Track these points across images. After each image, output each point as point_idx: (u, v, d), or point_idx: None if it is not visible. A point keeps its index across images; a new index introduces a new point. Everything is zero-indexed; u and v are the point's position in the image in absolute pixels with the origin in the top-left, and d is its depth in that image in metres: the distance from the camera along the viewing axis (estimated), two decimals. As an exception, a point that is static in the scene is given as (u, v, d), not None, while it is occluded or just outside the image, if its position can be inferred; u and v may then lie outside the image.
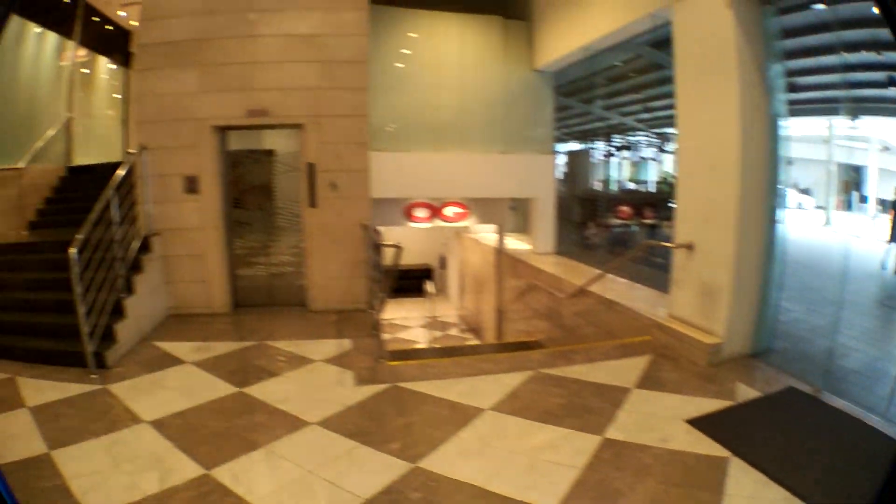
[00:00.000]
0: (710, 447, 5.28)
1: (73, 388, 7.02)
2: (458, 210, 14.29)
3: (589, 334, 10.07)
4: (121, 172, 9.08)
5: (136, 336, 8.89)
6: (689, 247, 7.82)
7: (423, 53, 13.46)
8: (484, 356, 8.61)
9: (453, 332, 18.69)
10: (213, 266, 10.60)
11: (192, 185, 10.36)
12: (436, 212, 14.22)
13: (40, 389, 6.98)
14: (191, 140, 10.30)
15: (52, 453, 5.40)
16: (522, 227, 16.53)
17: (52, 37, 13.85)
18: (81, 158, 14.06)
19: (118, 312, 8.52)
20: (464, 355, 10.42)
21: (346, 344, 8.75)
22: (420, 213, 14.09)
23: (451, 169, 13.29)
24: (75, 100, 14.48)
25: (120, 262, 8.82)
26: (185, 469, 5.10)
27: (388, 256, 9.32)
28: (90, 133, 15.44)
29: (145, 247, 9.86)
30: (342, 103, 10.38)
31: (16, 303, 9.19)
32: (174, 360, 8.13)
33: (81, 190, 11.87)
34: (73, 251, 7.33)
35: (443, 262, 23.41)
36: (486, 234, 17.22)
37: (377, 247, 9.51)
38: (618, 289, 10.29)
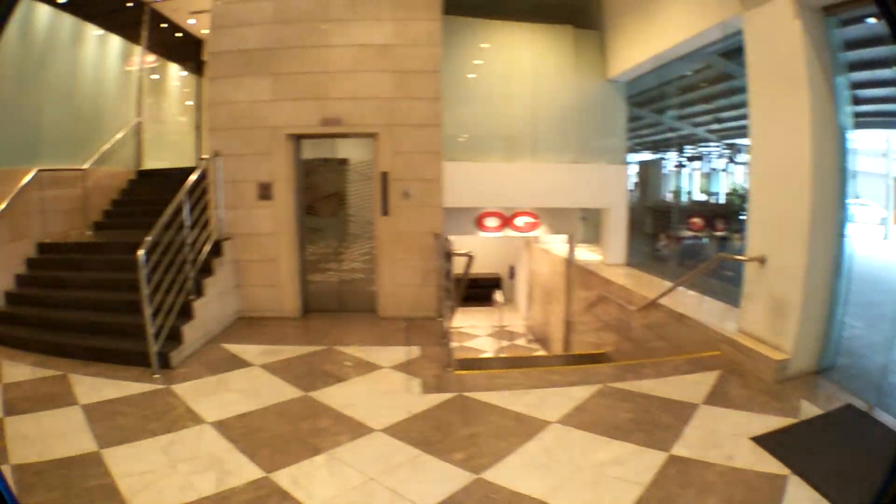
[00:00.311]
0: (771, 465, 5.12)
1: (133, 387, 7.09)
2: (530, 220, 14.10)
3: (658, 348, 9.83)
4: (193, 177, 9.22)
5: (203, 337, 9.00)
6: (761, 260, 7.58)
7: (494, 63, 13.32)
8: (552, 368, 8.47)
9: (520, 342, 18.47)
10: (284, 271, 10.70)
11: (265, 192, 10.47)
12: (507, 221, 14.05)
13: (96, 388, 7.05)
14: (265, 147, 10.42)
15: (103, 452, 5.41)
16: (592, 238, 16.32)
17: (116, 41, 13.97)
18: (152, 163, 14.36)
19: (186, 314, 8.59)
20: (532, 366, 10.27)
21: (415, 351, 8.71)
22: (491, 222, 13.95)
23: (522, 179, 13.12)
24: (145, 105, 14.74)
25: (190, 265, 8.91)
26: (245, 471, 5.09)
27: (458, 265, 9.28)
28: (162, 138, 15.73)
29: (216, 251, 9.96)
30: (416, 113, 10.41)
31: (76, 301, 9.34)
32: (241, 363, 8.18)
33: (150, 193, 12.19)
34: (140, 253, 7.39)
35: (511, 272, 23.14)
36: (556, 244, 17.03)
37: (448, 255, 9.47)
38: (688, 302, 9.98)
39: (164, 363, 7.72)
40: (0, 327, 8.96)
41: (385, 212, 10.53)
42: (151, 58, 15.25)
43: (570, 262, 14.66)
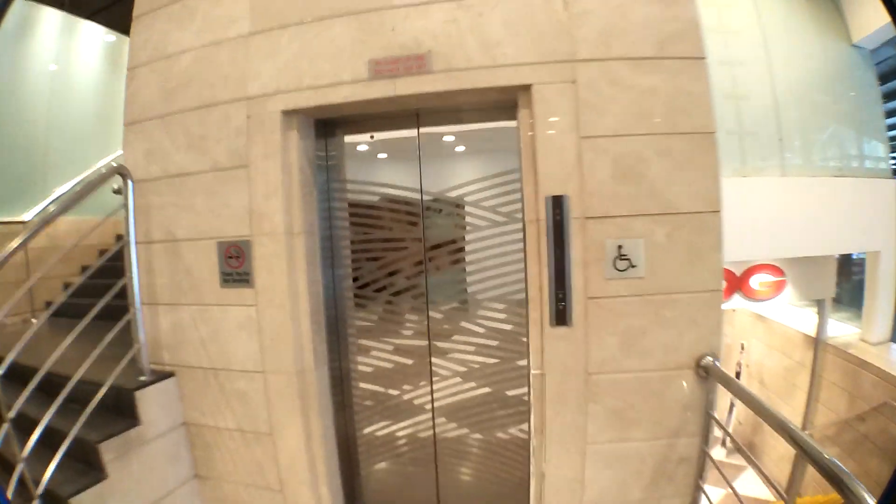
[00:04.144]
0: None
1: None
2: (770, 279, 7.05)
3: None
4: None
5: None
6: None
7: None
8: None
9: (715, 450, 10.87)
10: (293, 454, 3.75)
11: (235, 263, 3.66)
12: (736, 283, 7.16)
13: None
14: (233, 151, 3.63)
15: None
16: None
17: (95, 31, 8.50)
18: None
19: None
20: None
21: None
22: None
23: (763, 204, 6.38)
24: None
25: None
26: None
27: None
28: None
29: (126, 410, 3.45)
30: (636, 27, 3.16)
31: None
32: None
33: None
34: None
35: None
36: (774, 306, 9.94)
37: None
38: None
39: None
40: None
41: (560, 317, 3.27)
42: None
43: (819, 343, 7.56)
